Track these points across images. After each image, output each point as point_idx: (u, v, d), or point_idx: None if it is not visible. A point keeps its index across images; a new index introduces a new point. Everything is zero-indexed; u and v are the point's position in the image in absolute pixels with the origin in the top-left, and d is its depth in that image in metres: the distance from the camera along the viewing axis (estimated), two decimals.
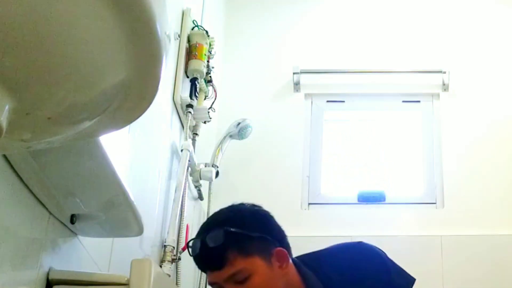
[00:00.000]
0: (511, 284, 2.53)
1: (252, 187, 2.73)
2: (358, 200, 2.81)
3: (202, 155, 2.39)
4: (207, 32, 2.27)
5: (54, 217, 1.11)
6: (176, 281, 2.01)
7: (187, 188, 2.12)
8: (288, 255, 1.38)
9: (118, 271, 1.28)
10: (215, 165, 2.45)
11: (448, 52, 2.98)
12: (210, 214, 1.67)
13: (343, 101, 3.03)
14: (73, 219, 1.14)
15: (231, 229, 1.31)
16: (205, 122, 2.33)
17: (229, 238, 1.30)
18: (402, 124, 3.06)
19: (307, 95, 3.00)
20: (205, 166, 2.36)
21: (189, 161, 2.10)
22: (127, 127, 0.97)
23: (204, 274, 2.37)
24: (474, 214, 2.69)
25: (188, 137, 2.15)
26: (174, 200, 1.99)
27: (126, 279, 1.13)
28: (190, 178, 2.25)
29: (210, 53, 2.30)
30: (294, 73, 2.95)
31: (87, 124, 0.71)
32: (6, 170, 0.95)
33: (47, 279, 1.10)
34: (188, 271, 2.26)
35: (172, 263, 1.92)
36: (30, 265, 1.04)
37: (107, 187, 1.06)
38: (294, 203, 2.77)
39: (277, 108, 2.97)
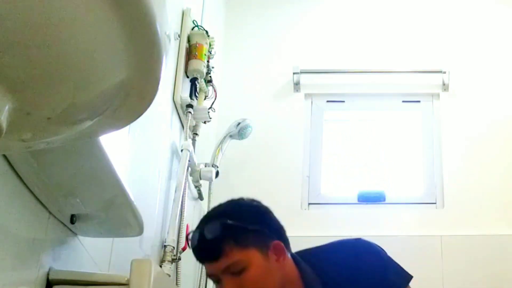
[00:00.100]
0: (511, 284, 2.53)
1: (252, 187, 2.73)
2: (358, 200, 2.81)
3: (202, 155, 2.39)
4: (207, 32, 2.27)
5: (54, 217, 1.11)
6: (176, 281, 2.01)
7: (187, 188, 2.12)
8: (285, 249, 1.39)
9: (118, 271, 1.29)
10: (215, 165, 2.45)
11: (448, 52, 2.98)
12: None
13: (343, 101, 3.03)
14: (73, 219, 1.14)
15: (228, 221, 1.33)
16: (205, 122, 2.33)
17: (226, 230, 1.32)
18: (402, 124, 3.06)
19: (307, 95, 3.01)
20: (205, 166, 2.36)
21: (189, 161, 2.10)
22: (127, 127, 0.97)
23: (204, 274, 2.37)
24: (474, 214, 2.69)
25: (188, 137, 2.15)
26: (174, 200, 1.99)
27: (126, 279, 1.13)
28: (190, 178, 2.25)
29: (210, 53, 2.30)
30: (294, 73, 2.95)
31: (87, 124, 0.71)
32: (6, 170, 0.95)
33: (47, 279, 1.10)
34: (188, 271, 2.26)
35: (172, 263, 1.92)
36: (30, 265, 1.04)
37: (107, 187, 1.06)
38: (294, 203, 2.77)
39: (277, 108, 2.97)
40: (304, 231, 2.57)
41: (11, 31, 0.55)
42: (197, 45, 2.21)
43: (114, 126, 0.76)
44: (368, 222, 2.70)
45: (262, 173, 2.83)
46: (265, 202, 1.48)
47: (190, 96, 2.17)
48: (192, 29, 2.25)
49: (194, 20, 2.27)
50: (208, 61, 2.27)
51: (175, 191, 2.00)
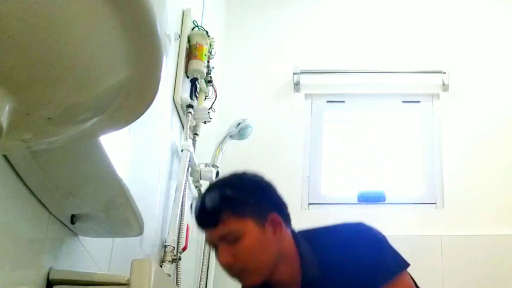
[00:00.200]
0: (511, 284, 2.53)
1: None
2: (358, 200, 2.81)
3: (202, 155, 2.39)
4: (207, 32, 2.27)
5: (54, 217, 1.12)
6: (176, 281, 2.01)
7: (187, 188, 2.12)
8: (283, 222, 1.42)
9: (118, 271, 1.29)
10: (215, 165, 2.44)
11: (448, 52, 2.98)
12: None
13: (343, 101, 3.03)
14: (73, 219, 1.15)
15: (228, 191, 1.39)
16: (205, 122, 2.33)
17: (225, 200, 1.37)
18: (402, 124, 3.06)
19: (307, 95, 3.01)
20: (205, 166, 2.36)
21: (189, 161, 2.10)
22: (127, 127, 0.97)
23: (204, 274, 2.38)
24: (474, 214, 2.69)
25: (188, 137, 2.15)
26: (174, 200, 2.00)
27: (126, 279, 1.13)
28: (190, 178, 2.25)
29: (210, 53, 2.30)
30: (294, 73, 2.95)
31: (87, 124, 0.71)
32: (6, 170, 0.95)
33: (48, 279, 1.10)
34: (188, 271, 2.26)
35: (172, 263, 1.92)
36: (31, 265, 1.05)
37: (107, 187, 1.06)
38: (294, 203, 2.77)
39: (277, 108, 2.97)
40: None
41: (12, 32, 0.55)
42: (197, 45, 2.21)
43: (114, 127, 0.76)
44: (368, 222, 2.69)
45: (262, 173, 2.82)
46: None
47: (190, 96, 2.17)
48: (192, 29, 2.25)
49: (194, 20, 2.27)
50: (208, 61, 2.27)
51: (175, 191, 2.01)
